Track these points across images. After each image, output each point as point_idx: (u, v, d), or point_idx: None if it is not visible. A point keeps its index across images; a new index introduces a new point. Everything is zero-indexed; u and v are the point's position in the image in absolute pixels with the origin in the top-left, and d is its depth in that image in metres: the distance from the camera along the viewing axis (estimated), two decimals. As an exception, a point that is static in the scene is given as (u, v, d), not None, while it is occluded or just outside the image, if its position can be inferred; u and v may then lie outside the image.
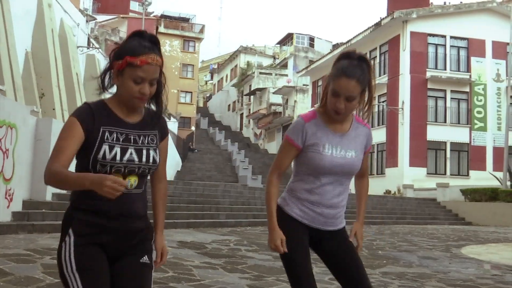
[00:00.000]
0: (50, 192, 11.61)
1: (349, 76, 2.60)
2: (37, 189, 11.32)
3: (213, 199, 18.19)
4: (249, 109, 59.91)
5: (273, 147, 52.25)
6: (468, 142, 33.37)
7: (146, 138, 2.30)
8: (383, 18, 33.77)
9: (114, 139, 2.21)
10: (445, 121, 33.33)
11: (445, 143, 32.98)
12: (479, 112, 33.69)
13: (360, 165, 2.85)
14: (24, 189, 10.82)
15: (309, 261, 2.76)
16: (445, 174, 32.51)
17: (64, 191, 12.44)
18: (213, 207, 17.08)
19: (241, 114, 63.33)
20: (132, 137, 2.26)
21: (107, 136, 2.20)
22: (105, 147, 2.18)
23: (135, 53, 2.15)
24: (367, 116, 2.76)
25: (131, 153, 2.22)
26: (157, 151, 2.32)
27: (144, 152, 2.26)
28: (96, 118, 2.21)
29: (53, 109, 18.59)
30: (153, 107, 2.37)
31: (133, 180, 2.24)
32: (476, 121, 33.60)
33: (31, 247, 7.61)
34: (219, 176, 29.13)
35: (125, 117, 2.28)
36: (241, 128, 62.72)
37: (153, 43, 2.21)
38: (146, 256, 2.32)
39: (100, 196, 2.15)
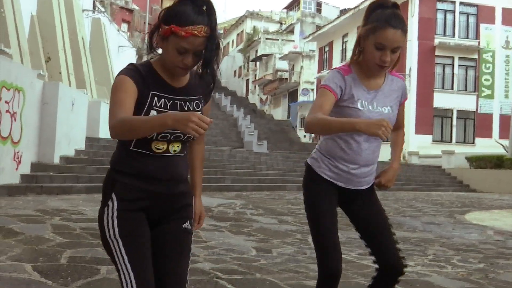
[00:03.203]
0: (58, 155, 11.71)
1: (395, 27, 2.49)
2: (44, 152, 11.43)
3: (219, 164, 18.29)
4: (255, 75, 59.60)
5: (279, 113, 52.17)
6: (475, 109, 33.22)
7: (192, 104, 2.23)
8: (392, -17, 33.30)
9: (162, 105, 2.13)
10: (452, 89, 33.14)
11: (451, 110, 32.84)
12: (486, 80, 33.46)
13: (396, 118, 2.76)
14: (32, 152, 10.92)
15: (336, 225, 2.71)
16: (450, 141, 32.47)
17: (72, 154, 12.56)
18: (219, 171, 17.19)
19: (247, 80, 63.06)
20: (178, 103, 2.18)
21: (155, 101, 2.12)
22: (154, 112, 2.10)
23: (182, 23, 2.02)
24: (394, 66, 2.65)
25: None
26: None
27: None
28: (146, 81, 2.12)
29: (59, 73, 18.59)
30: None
31: (176, 146, 2.19)
32: (483, 89, 33.38)
33: (41, 208, 7.72)
34: (224, 142, 29.15)
35: (171, 81, 2.19)
36: (247, 94, 62.53)
37: (205, 11, 2.07)
38: (188, 221, 2.28)
39: (142, 158, 2.14)
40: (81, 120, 13.52)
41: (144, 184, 2.15)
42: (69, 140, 12.48)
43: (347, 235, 6.87)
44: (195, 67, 2.17)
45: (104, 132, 16.74)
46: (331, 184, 2.73)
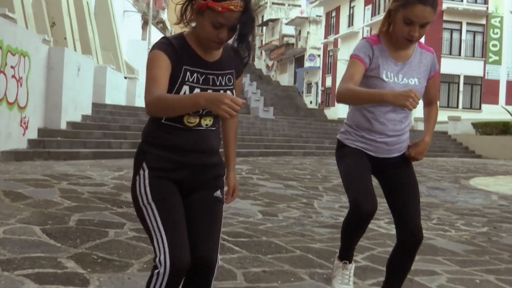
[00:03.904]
0: (64, 120, 11.75)
1: (425, 3, 2.51)
2: (51, 118, 11.46)
3: (225, 130, 18.29)
4: (261, 41, 59.27)
5: (285, 79, 51.96)
6: (482, 75, 33.01)
7: (224, 78, 2.22)
8: None
9: (195, 80, 2.14)
10: (459, 54, 32.88)
11: (458, 76, 32.64)
12: (494, 46, 33.15)
13: (423, 92, 2.77)
14: (39, 118, 10.95)
15: (368, 175, 2.76)
16: (457, 107, 32.37)
17: (79, 120, 12.60)
18: (225, 137, 17.19)
19: (253, 45, 62.66)
20: (211, 77, 2.18)
21: (188, 76, 2.13)
22: (186, 88, 2.11)
23: None
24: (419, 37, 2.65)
25: None
26: (234, 92, 2.24)
27: None
28: (179, 55, 2.12)
29: (65, 38, 18.48)
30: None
31: (208, 120, 2.19)
32: (491, 55, 33.11)
33: (48, 173, 7.79)
34: (230, 108, 29.20)
35: (204, 55, 2.18)
36: (253, 60, 62.20)
37: None
38: (219, 190, 2.30)
39: (174, 131, 2.15)
40: (87, 85, 13.51)
41: (175, 156, 2.17)
42: (76, 106, 12.50)
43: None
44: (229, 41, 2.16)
45: (110, 98, 16.73)
46: (362, 152, 2.79)
